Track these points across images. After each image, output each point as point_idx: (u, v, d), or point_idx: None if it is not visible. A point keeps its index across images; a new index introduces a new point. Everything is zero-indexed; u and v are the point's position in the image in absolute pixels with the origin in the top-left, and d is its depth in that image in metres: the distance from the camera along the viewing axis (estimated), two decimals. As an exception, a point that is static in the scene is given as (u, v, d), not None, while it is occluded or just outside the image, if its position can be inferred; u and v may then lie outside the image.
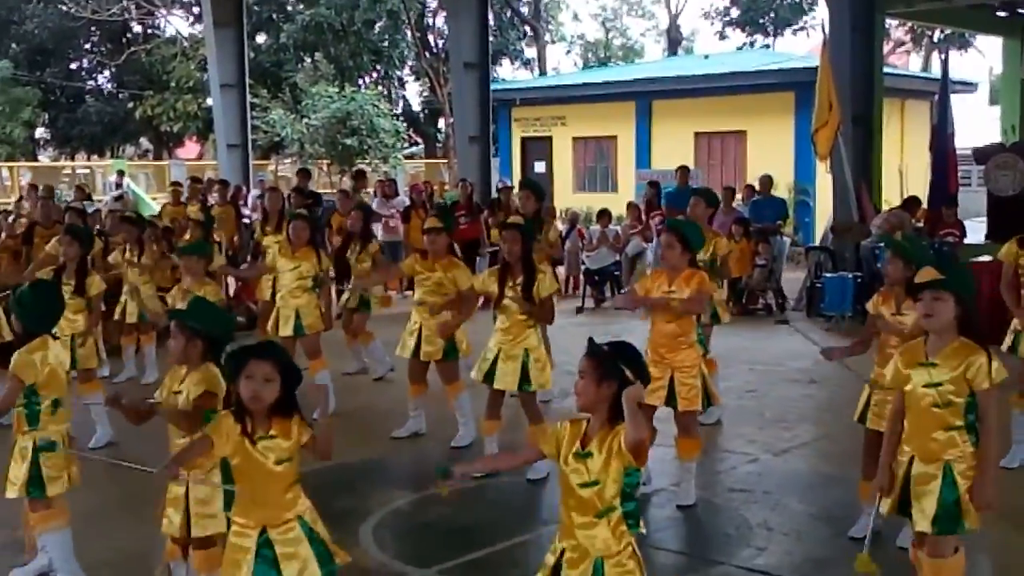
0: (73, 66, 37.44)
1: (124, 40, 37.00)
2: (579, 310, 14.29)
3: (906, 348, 4.40)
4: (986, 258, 11.39)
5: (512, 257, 6.81)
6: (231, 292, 12.93)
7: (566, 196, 24.27)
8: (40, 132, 37.93)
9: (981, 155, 14.48)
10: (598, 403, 3.51)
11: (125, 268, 10.03)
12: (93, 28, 35.79)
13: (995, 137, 20.50)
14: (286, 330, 8.58)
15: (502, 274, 6.86)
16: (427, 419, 8.04)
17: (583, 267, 15.67)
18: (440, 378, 7.76)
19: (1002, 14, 20.53)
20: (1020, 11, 20.46)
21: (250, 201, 17.02)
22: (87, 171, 31.92)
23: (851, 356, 5.77)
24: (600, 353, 3.55)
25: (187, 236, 10.93)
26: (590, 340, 3.64)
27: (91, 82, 38.04)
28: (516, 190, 17.21)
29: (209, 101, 27.22)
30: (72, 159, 37.09)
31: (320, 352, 8.76)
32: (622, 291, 6.51)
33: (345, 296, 10.02)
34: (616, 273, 15.32)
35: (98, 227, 11.76)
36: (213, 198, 15.84)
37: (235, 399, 3.84)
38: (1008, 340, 7.00)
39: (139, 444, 5.62)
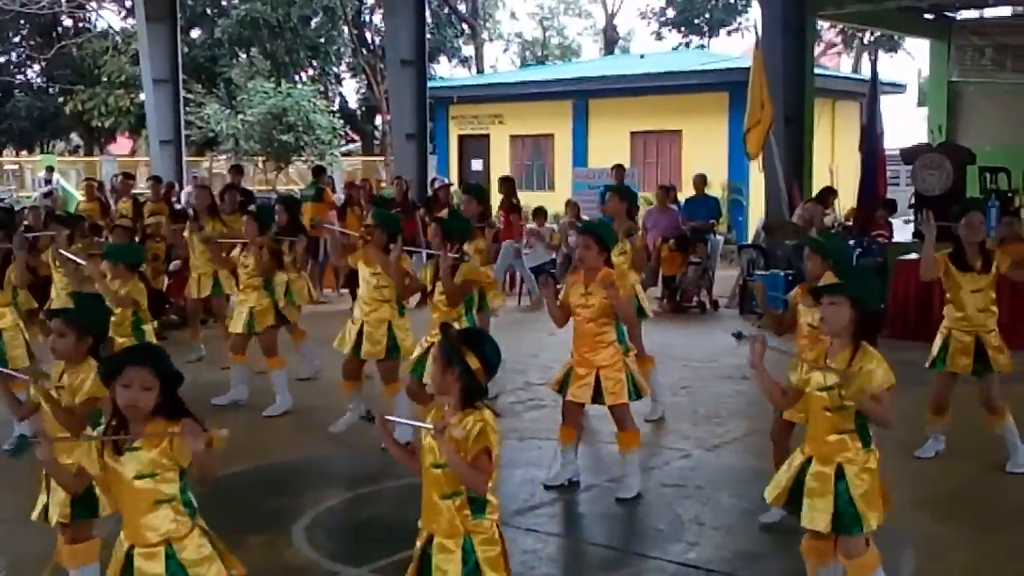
0: (1, 59, 36.65)
1: (54, 34, 36.28)
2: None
3: (814, 350, 4.54)
4: (913, 256, 11.64)
5: (438, 250, 7.08)
6: (164, 288, 12.75)
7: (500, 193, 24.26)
8: (-33, 127, 37.13)
9: (909, 155, 14.74)
10: (447, 386, 3.71)
11: (54, 266, 9.85)
12: (22, 21, 35.03)
13: (923, 137, 20.92)
14: (237, 327, 8.64)
15: (434, 268, 7.10)
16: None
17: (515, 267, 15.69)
18: (380, 376, 7.74)
19: (929, 17, 20.96)
20: (947, 14, 20.90)
21: (183, 198, 16.82)
22: (16, 167, 31.27)
23: (767, 330, 6.02)
24: (446, 339, 3.76)
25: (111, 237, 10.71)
26: (442, 326, 3.96)
27: (20, 76, 37.25)
28: (456, 189, 17.26)
29: (142, 96, 26.78)
30: (0, 154, 36.32)
31: (276, 350, 8.80)
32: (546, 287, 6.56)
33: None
34: (552, 271, 15.34)
35: (25, 223, 11.52)
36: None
37: (112, 406, 3.63)
38: (931, 356, 7.02)
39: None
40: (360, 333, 7.56)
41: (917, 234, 13.73)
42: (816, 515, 4.34)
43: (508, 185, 15.52)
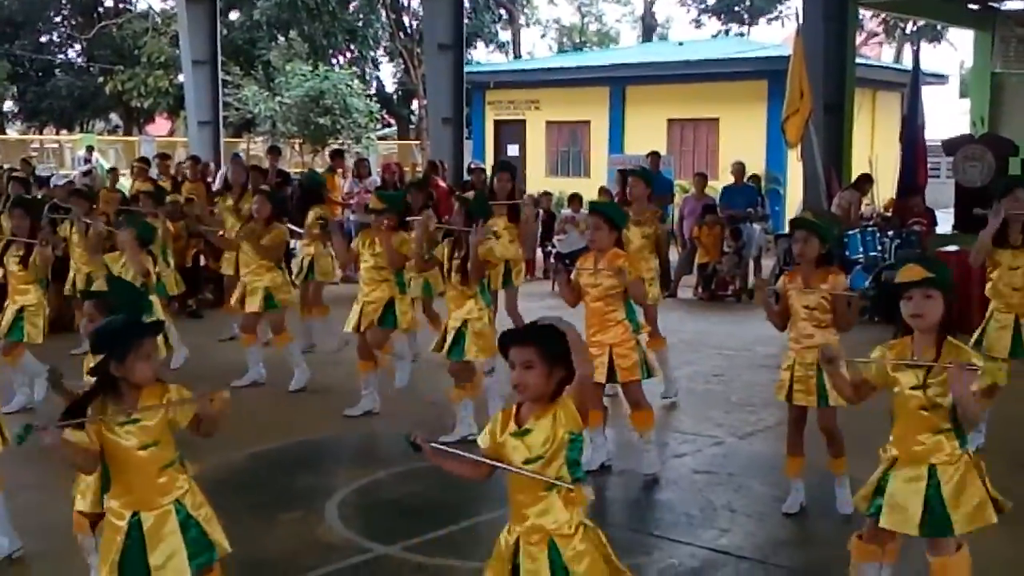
0: (43, 39, 36.98)
1: (95, 14, 36.59)
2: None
3: (893, 346, 4.21)
4: (953, 248, 11.51)
5: (457, 227, 7.19)
6: (200, 264, 12.88)
7: (538, 180, 24.24)
8: (8, 105, 37.53)
9: (950, 146, 14.59)
10: (547, 389, 3.40)
11: (72, 241, 10.01)
12: (64, 1, 35.40)
13: (964, 129, 20.67)
14: (253, 306, 8.70)
15: (451, 246, 7.19)
16: (397, 397, 8.05)
17: (552, 251, 15.67)
18: (370, 340, 7.92)
19: (974, 7, 20.68)
20: (992, 4, 20.60)
21: (219, 180, 16.87)
22: (56, 145, 31.59)
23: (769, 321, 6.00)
24: (549, 342, 3.41)
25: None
26: (533, 327, 3.52)
27: (61, 56, 37.61)
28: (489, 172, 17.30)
29: (181, 77, 26.97)
30: (41, 133, 36.69)
31: (284, 326, 8.94)
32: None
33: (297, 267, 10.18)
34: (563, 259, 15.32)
35: (54, 200, 11.70)
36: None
37: (103, 377, 3.67)
38: (976, 335, 6.99)
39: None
40: (361, 312, 7.85)
41: (958, 225, 13.65)
42: (902, 517, 4.12)
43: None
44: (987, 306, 7.07)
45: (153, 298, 7.62)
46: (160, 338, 4.42)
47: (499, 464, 3.43)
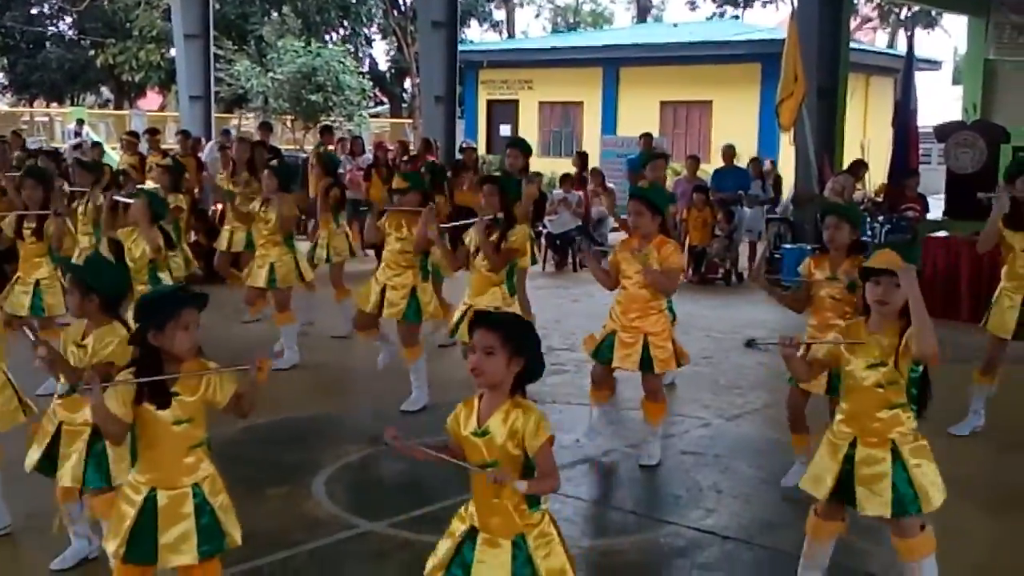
0: (34, 11, 36.77)
1: (87, -14, 36.37)
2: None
3: (848, 327, 4.32)
4: (943, 234, 11.53)
5: (492, 210, 6.90)
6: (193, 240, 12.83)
7: (531, 160, 24.19)
8: (-2, 77, 37.35)
9: (942, 132, 14.58)
10: (504, 377, 3.33)
11: (79, 219, 9.89)
12: (55, -27, 35.18)
13: (957, 116, 20.68)
14: (258, 281, 8.68)
15: (484, 229, 6.89)
16: (387, 376, 8.05)
17: (544, 231, 15.65)
18: (400, 339, 7.71)
19: (969, -7, 20.68)
20: (987, -9, 20.59)
21: (206, 152, 16.79)
22: (46, 118, 31.44)
23: (781, 304, 5.98)
24: (509, 327, 3.35)
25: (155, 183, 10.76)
26: (480, 315, 3.47)
27: (52, 28, 37.38)
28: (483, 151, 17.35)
29: (172, 51, 26.83)
30: (31, 106, 36.49)
31: (288, 306, 8.85)
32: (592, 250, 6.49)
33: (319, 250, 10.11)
34: (577, 238, 15.31)
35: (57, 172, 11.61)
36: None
37: (145, 348, 3.65)
38: (986, 315, 7.04)
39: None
40: (383, 294, 7.53)
41: (948, 212, 13.67)
42: (875, 500, 4.15)
43: (581, 159, 16.31)
44: (976, 293, 7.09)
45: (163, 274, 7.50)
46: None
47: (464, 464, 3.38)
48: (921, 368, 4.28)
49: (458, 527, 3.46)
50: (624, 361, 6.26)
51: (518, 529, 3.36)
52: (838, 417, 4.32)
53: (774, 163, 18.12)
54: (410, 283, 7.48)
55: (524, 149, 9.77)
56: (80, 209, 9.68)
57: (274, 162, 10.42)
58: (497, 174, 8.20)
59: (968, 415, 7.12)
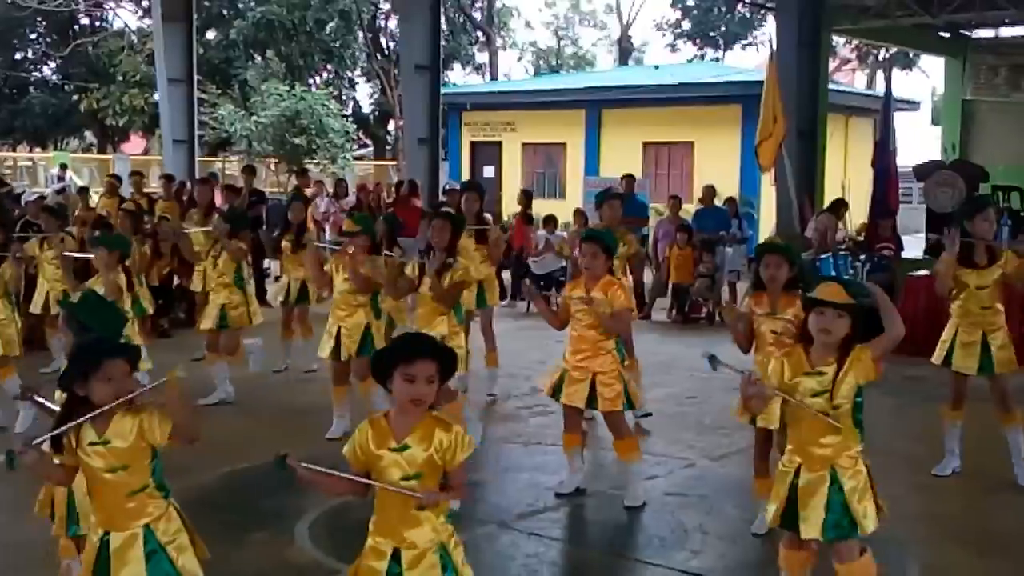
0: (18, 56, 36.81)
1: (71, 32, 36.42)
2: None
3: (787, 355, 4.43)
4: (924, 273, 11.59)
5: (441, 244, 7.15)
6: (175, 283, 12.82)
7: (514, 201, 24.29)
8: (-19, 122, 37.26)
9: (922, 172, 14.73)
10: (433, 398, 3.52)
11: (39, 258, 9.98)
12: (39, 19, 35.19)
13: (936, 155, 20.88)
14: (207, 323, 8.94)
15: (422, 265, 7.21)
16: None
17: (528, 271, 15.68)
18: (354, 373, 7.83)
19: (945, 35, 20.95)
20: (963, 32, 20.88)
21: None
22: (29, 163, 31.37)
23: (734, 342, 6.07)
24: (444, 353, 3.56)
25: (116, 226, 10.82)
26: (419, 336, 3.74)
27: (36, 73, 37.41)
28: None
29: (156, 96, 26.88)
30: (14, 150, 36.44)
31: (236, 350, 9.01)
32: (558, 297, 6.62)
33: (281, 288, 10.21)
34: (561, 279, 15.33)
35: (27, 217, 11.68)
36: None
37: (70, 399, 3.61)
38: (940, 352, 7.07)
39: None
40: (338, 336, 7.71)
41: (929, 251, 13.76)
42: (809, 524, 4.28)
43: (526, 197, 16.43)
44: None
45: (129, 316, 7.49)
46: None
47: (374, 482, 3.48)
48: (861, 398, 4.37)
49: (378, 562, 3.52)
50: (571, 398, 6.33)
51: (439, 539, 3.50)
52: (788, 447, 4.45)
53: (749, 203, 18.25)
54: (363, 321, 7.69)
55: (480, 193, 9.87)
56: (51, 254, 9.79)
57: (224, 207, 10.63)
58: (448, 210, 8.50)
59: (945, 456, 7.13)
